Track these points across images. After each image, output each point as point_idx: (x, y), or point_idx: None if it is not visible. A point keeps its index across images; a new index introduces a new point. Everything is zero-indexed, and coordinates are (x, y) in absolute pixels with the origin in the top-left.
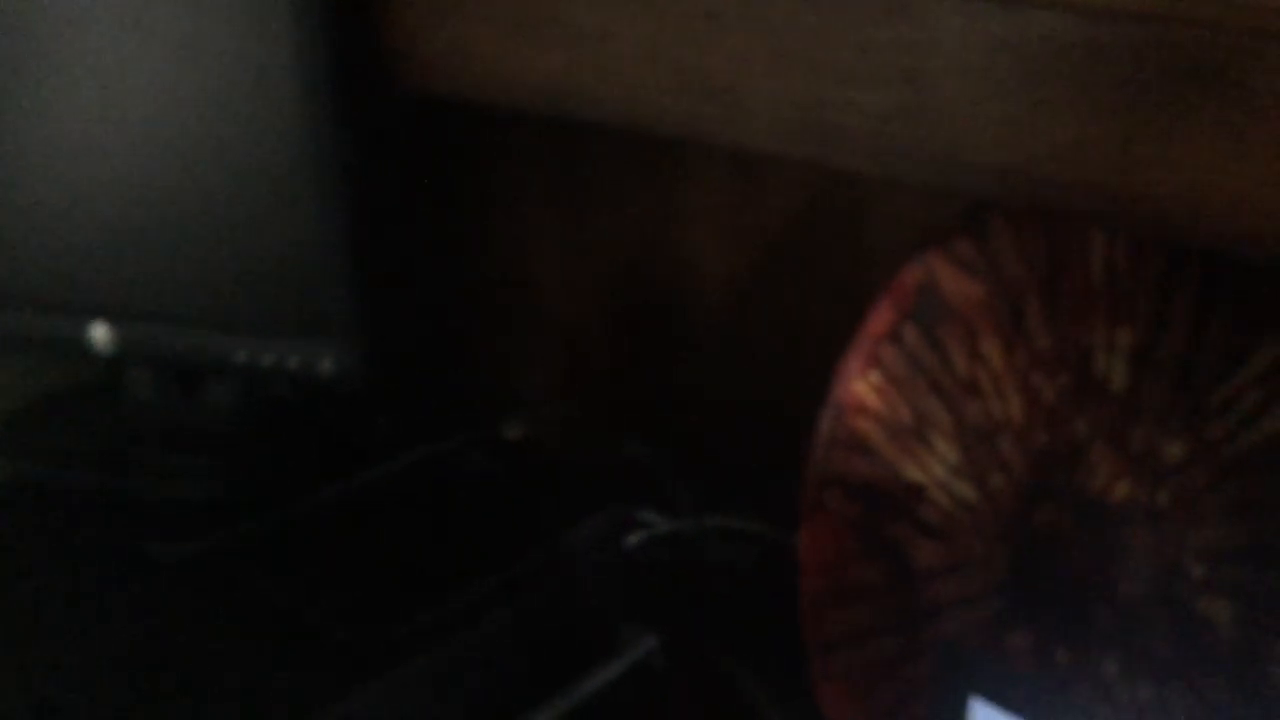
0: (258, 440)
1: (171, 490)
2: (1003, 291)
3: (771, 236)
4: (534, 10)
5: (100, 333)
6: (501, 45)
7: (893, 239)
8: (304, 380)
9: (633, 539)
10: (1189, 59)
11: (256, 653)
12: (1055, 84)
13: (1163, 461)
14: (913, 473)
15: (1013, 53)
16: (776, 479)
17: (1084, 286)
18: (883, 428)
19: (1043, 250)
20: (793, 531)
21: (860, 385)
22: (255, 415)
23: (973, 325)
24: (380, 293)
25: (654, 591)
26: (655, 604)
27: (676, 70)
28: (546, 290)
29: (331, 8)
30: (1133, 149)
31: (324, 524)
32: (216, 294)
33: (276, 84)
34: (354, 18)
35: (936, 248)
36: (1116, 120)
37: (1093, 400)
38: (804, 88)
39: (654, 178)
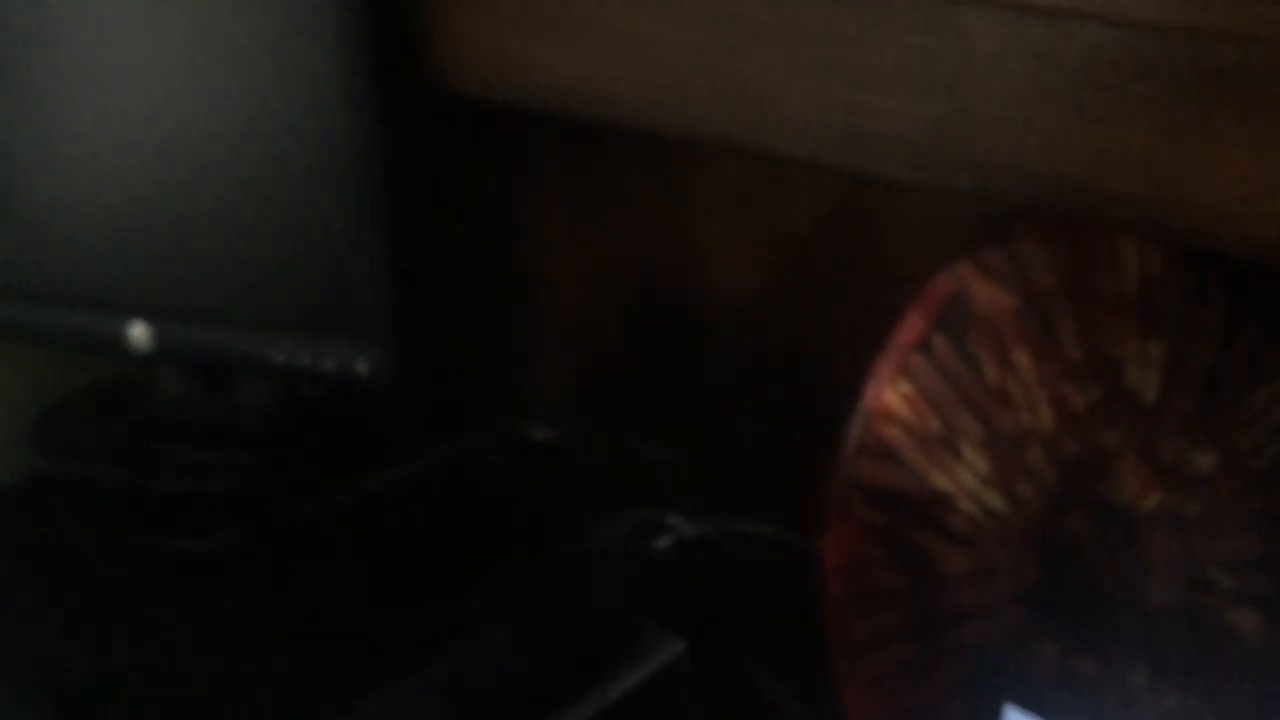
0: (286, 437)
1: (200, 486)
2: (1033, 302)
3: (791, 239)
4: (570, 13)
5: (139, 331)
6: (537, 48)
7: (913, 244)
8: (339, 380)
9: (658, 543)
10: (1222, 70)
11: (282, 648)
12: (1094, 94)
13: (1192, 472)
14: (940, 481)
15: (1053, 63)
16: (799, 484)
17: (1115, 297)
18: (911, 436)
19: (1073, 260)
20: (817, 537)
21: (889, 394)
22: (285, 412)
23: (1003, 335)
24: (410, 291)
25: (678, 596)
26: (679, 608)
27: (714, 76)
28: (564, 289)
29: (370, 8)
30: (1167, 158)
31: (349, 521)
32: (254, 293)
33: (315, 84)
34: (392, 19)
35: (967, 258)
36: (1152, 130)
37: (1123, 411)
38: (842, 94)
39: (672, 179)
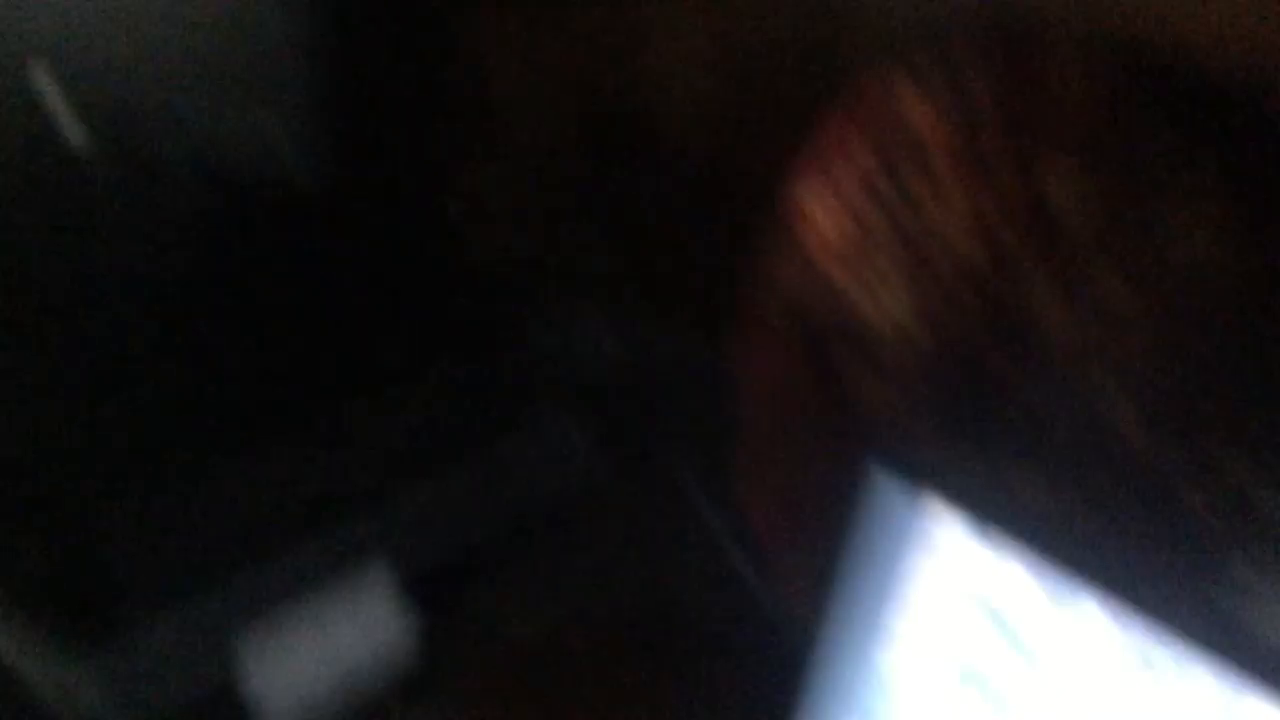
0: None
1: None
2: (961, 115)
3: (741, 58)
4: None
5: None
6: None
7: (869, 60)
8: (264, 161)
9: (577, 338)
10: None
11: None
12: None
13: (1106, 294)
14: (857, 296)
15: None
16: (725, 297)
17: (1044, 113)
18: (827, 248)
19: (1005, 72)
20: (733, 347)
21: (809, 202)
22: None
23: (929, 149)
24: (341, 81)
25: (592, 394)
26: (593, 406)
27: None
28: (509, 109)
29: None
30: None
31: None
32: (175, 51)
33: None
34: None
35: (898, 65)
36: None
37: (1043, 229)
38: None
39: None
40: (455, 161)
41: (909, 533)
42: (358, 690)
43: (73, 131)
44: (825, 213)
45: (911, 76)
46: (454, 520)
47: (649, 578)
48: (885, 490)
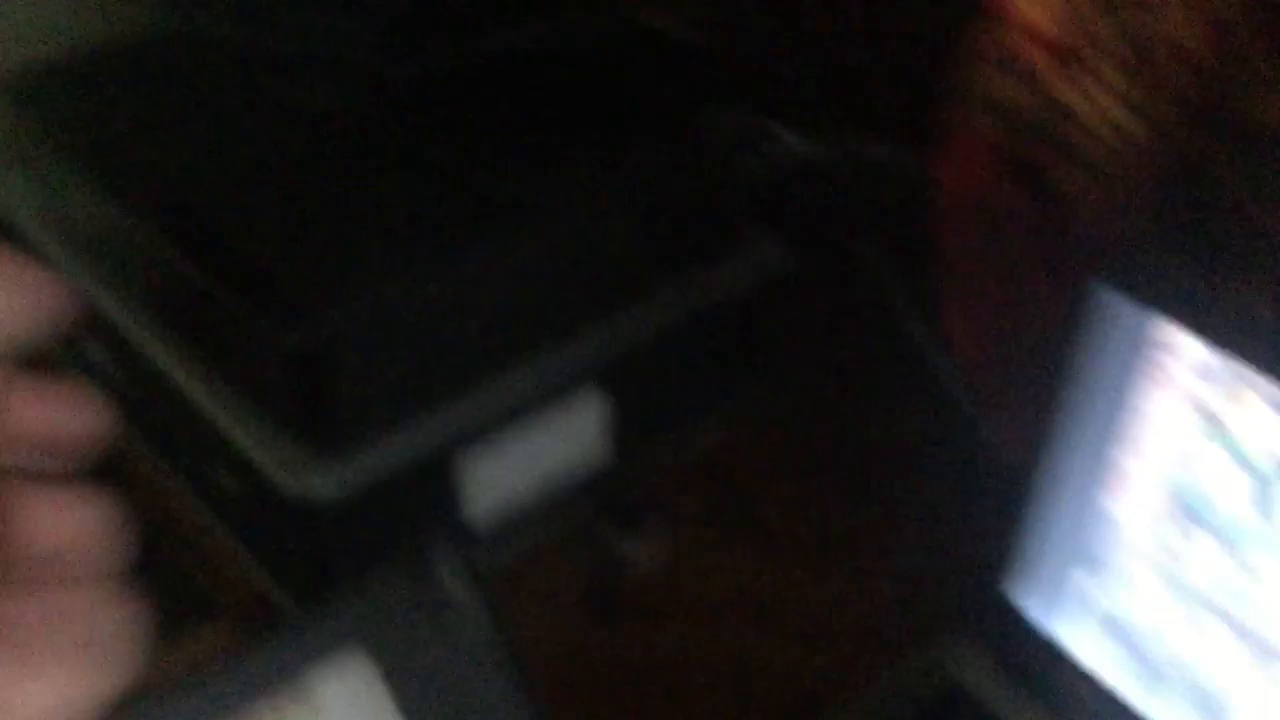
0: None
1: (319, 46)
2: None
3: None
4: None
5: None
6: None
7: None
8: None
9: (768, 150)
10: None
11: (399, 199)
12: None
13: None
14: (1069, 95)
15: None
16: (920, 101)
17: None
18: (1039, 44)
19: None
20: (932, 155)
21: None
22: None
23: None
24: None
25: (785, 207)
26: (785, 219)
27: None
28: None
29: None
30: None
31: (460, 86)
32: None
33: None
34: None
35: None
36: None
37: (1275, 21)
38: None
39: None
40: None
41: (1137, 361)
42: (569, 513)
43: None
44: (1037, 4)
45: None
46: (663, 344)
47: (856, 400)
48: (1109, 314)
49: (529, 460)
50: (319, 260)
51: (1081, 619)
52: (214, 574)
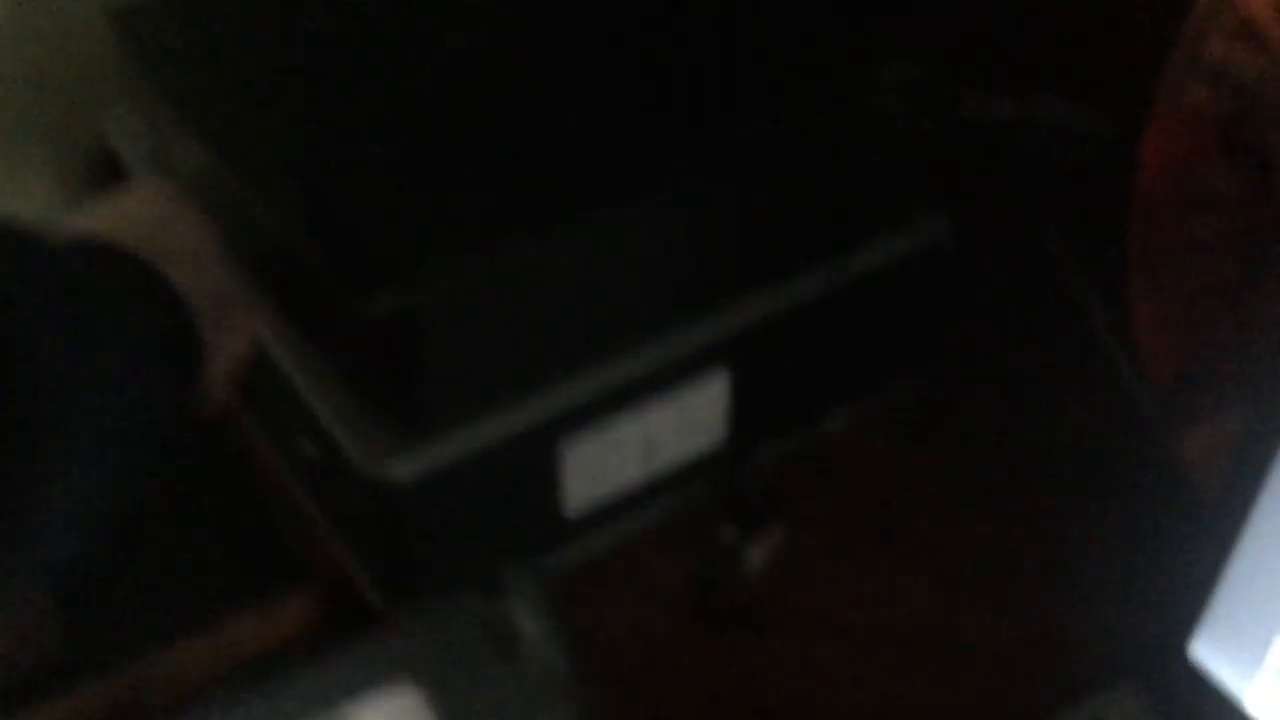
0: None
1: None
2: None
3: None
4: None
5: None
6: None
7: None
8: None
9: (946, 112)
10: None
11: (546, 150)
12: None
13: None
14: None
15: None
16: (1122, 68)
17: None
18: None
19: None
20: (1132, 128)
21: None
22: None
23: None
24: None
25: (960, 175)
26: (960, 188)
27: None
28: None
29: None
30: None
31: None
32: None
33: None
34: None
35: None
36: None
37: None
38: None
39: None
40: None
41: None
42: (677, 500)
43: None
44: None
45: None
46: (799, 324)
47: (1017, 403)
48: None
49: (640, 447)
50: (417, 227)
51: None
52: (308, 543)
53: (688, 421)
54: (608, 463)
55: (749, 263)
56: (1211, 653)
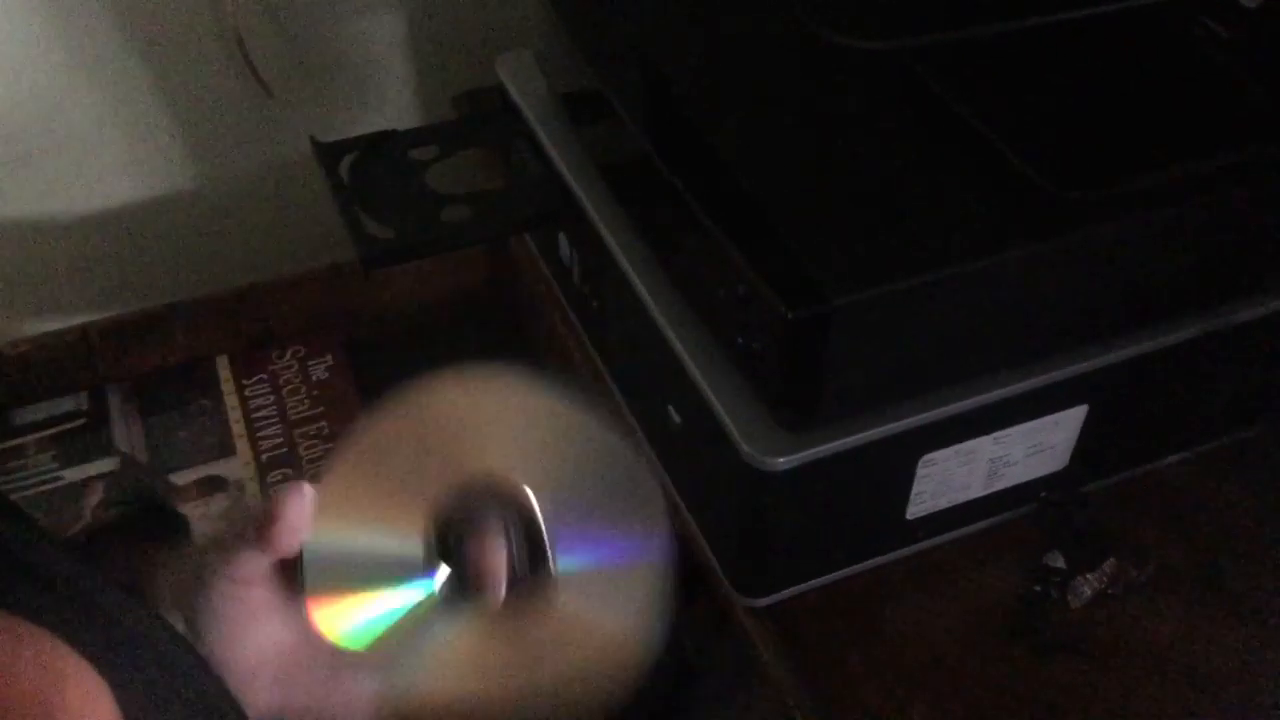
0: None
1: None
2: None
3: None
4: None
5: None
6: None
7: None
8: None
9: None
10: None
11: (943, 167)
12: None
13: None
14: None
15: None
16: None
17: None
18: None
19: None
20: None
21: None
22: None
23: None
24: None
25: None
26: None
27: None
28: None
29: None
30: None
31: (1030, 50)
32: None
33: None
34: None
35: None
36: None
37: None
38: None
39: None
40: None
41: None
42: (1010, 517)
43: None
44: None
45: None
46: (1165, 373)
47: None
48: None
49: (988, 466)
50: (843, 238)
51: None
52: None
53: (1038, 448)
54: (956, 476)
55: (1134, 308)
56: None
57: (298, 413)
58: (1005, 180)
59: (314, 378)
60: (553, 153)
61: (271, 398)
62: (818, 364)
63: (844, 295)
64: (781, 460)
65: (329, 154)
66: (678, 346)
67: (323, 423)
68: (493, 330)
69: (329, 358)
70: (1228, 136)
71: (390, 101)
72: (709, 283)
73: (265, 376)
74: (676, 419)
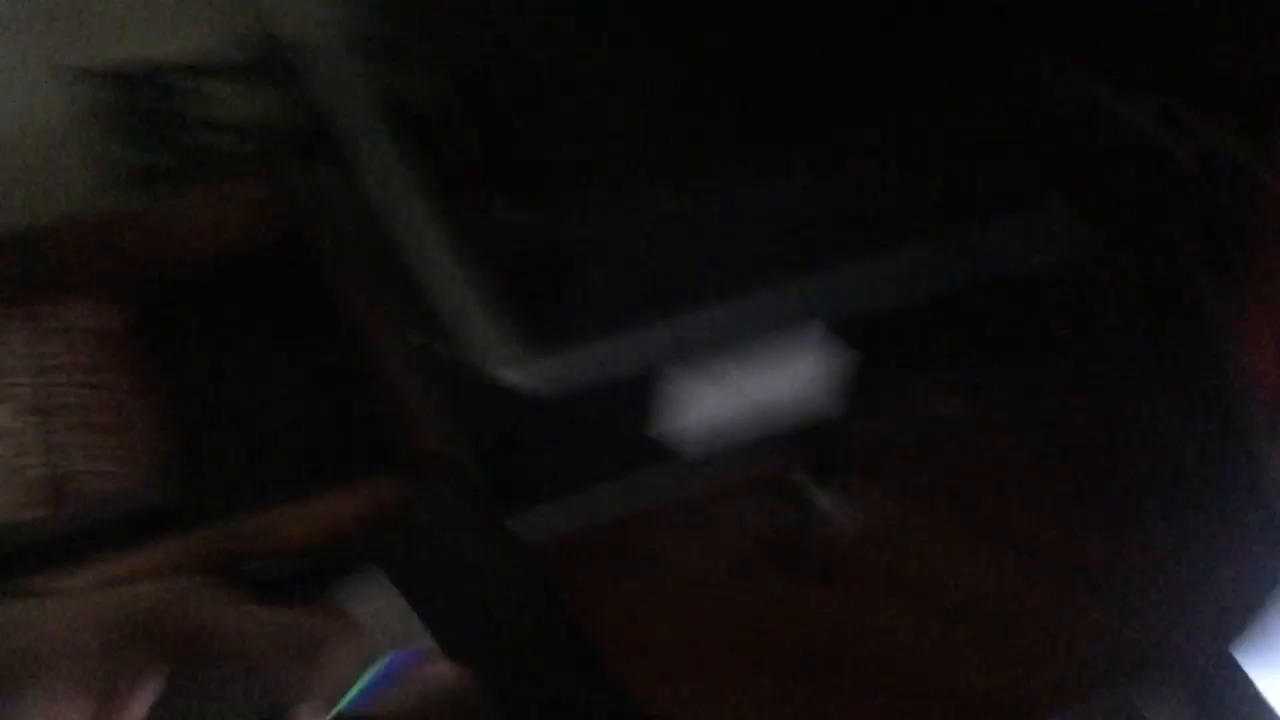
0: None
1: None
2: None
3: None
4: None
5: None
6: None
7: None
8: None
9: (1064, 103)
10: None
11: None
12: None
13: None
14: None
15: None
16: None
17: None
18: None
19: None
20: (1268, 147)
21: None
22: None
23: None
24: None
25: (1080, 167)
26: (1078, 181)
27: None
28: None
29: None
30: None
31: None
32: None
33: None
34: None
35: None
36: None
37: None
38: None
39: None
40: None
41: None
42: (773, 447)
43: None
44: None
45: None
46: (917, 301)
47: (1119, 403)
48: None
49: (743, 392)
50: (579, 147)
51: None
52: (402, 428)
53: (791, 382)
54: (713, 405)
55: (874, 230)
56: (1257, 658)
57: (63, 363)
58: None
59: (83, 327)
60: (317, 83)
61: (38, 348)
62: (554, 272)
63: (573, 201)
64: (525, 376)
65: (94, 84)
66: (428, 269)
67: (95, 374)
68: (287, 280)
69: (104, 309)
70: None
71: (158, 33)
72: (456, 202)
73: (27, 325)
74: (439, 350)
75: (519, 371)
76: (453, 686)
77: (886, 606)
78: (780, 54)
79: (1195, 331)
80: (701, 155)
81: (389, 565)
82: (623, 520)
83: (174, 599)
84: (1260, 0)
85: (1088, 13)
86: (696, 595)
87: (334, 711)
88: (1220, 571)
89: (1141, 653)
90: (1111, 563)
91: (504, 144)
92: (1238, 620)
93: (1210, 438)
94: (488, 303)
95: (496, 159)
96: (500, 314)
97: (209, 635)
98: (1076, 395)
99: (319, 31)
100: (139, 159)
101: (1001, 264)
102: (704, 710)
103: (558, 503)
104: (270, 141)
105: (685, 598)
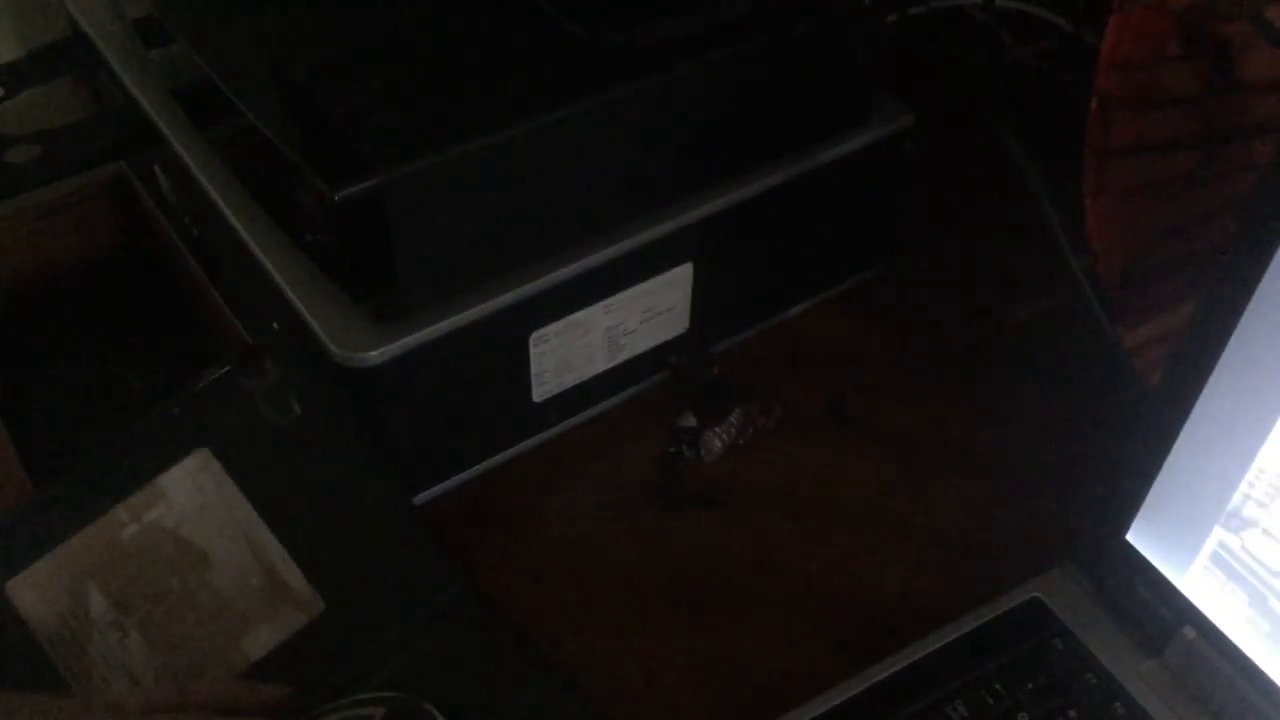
0: None
1: None
2: None
3: None
4: None
5: None
6: None
7: None
8: None
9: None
10: None
11: (509, 45)
12: None
13: None
14: None
15: None
16: None
17: None
18: None
19: None
20: (1095, 23)
21: None
22: None
23: None
24: None
25: (921, 74)
26: (922, 86)
27: None
28: None
29: None
30: None
31: None
32: None
33: None
34: None
35: None
36: None
37: None
38: None
39: None
40: None
41: None
42: (640, 387)
43: None
44: None
45: None
46: (763, 217)
47: (976, 295)
48: None
49: (605, 337)
50: (386, 114)
51: (1210, 574)
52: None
53: (653, 312)
54: (575, 351)
55: (712, 158)
56: (1150, 540)
57: None
58: (554, 41)
59: None
60: (126, 80)
61: None
62: (384, 245)
63: (389, 169)
64: (374, 354)
65: None
66: (261, 256)
67: None
68: (130, 286)
69: None
70: None
71: None
72: (276, 186)
73: None
74: (283, 334)
75: (372, 352)
76: None
77: (775, 527)
78: None
79: (1035, 218)
80: (523, 105)
81: None
82: (504, 484)
83: None
84: None
85: None
86: (594, 546)
87: None
88: (1101, 456)
89: (1038, 544)
90: (999, 453)
91: (307, 122)
92: (1130, 502)
93: (1066, 321)
94: (326, 288)
95: (305, 139)
96: (341, 296)
97: None
98: (936, 292)
99: (109, 22)
100: None
101: (840, 168)
102: (621, 657)
103: (440, 477)
104: (90, 143)
105: (581, 551)
